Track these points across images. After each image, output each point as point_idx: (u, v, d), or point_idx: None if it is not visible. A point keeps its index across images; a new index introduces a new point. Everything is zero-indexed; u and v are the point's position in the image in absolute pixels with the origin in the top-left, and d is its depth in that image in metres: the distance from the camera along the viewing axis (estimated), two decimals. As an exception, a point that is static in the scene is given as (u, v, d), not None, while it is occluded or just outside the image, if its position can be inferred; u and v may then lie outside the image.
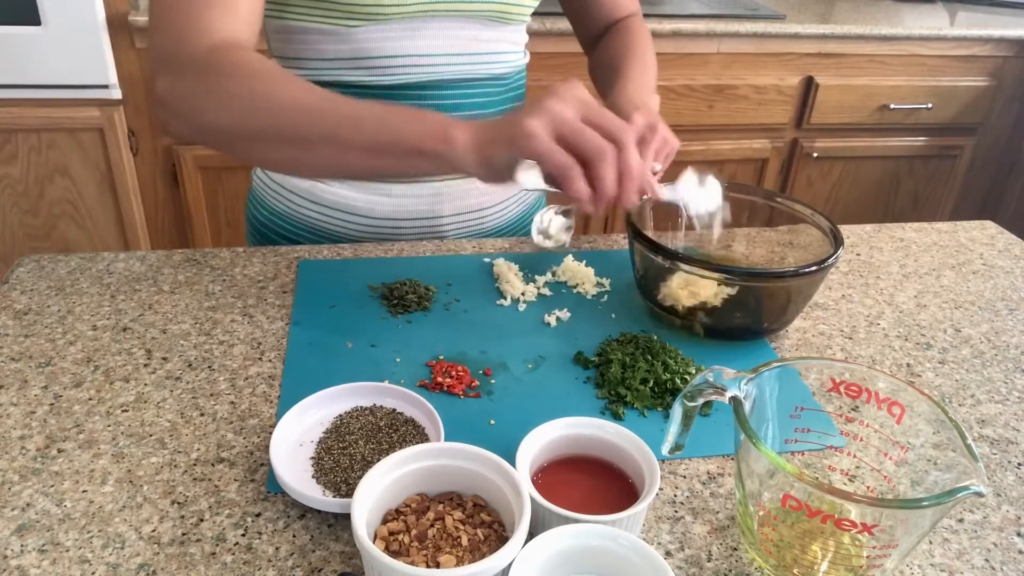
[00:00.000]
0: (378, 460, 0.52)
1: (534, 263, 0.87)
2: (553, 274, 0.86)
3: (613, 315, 0.80)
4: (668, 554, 0.55)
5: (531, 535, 0.48)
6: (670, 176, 0.80)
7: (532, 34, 0.98)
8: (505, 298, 0.81)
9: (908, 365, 0.76)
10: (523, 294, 0.82)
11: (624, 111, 0.78)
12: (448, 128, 0.65)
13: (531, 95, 1.03)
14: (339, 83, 0.87)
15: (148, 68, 1.76)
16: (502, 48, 0.92)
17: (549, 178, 0.65)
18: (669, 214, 0.86)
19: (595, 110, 0.64)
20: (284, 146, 0.69)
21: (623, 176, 0.63)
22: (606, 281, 0.86)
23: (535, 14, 0.93)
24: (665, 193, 0.73)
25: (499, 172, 0.66)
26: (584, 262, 0.87)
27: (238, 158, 0.74)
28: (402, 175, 0.71)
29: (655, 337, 0.75)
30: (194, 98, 0.70)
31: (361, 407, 0.64)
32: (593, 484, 0.57)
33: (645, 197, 0.69)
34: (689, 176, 0.77)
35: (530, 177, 0.65)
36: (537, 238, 0.82)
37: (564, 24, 1.82)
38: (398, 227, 0.94)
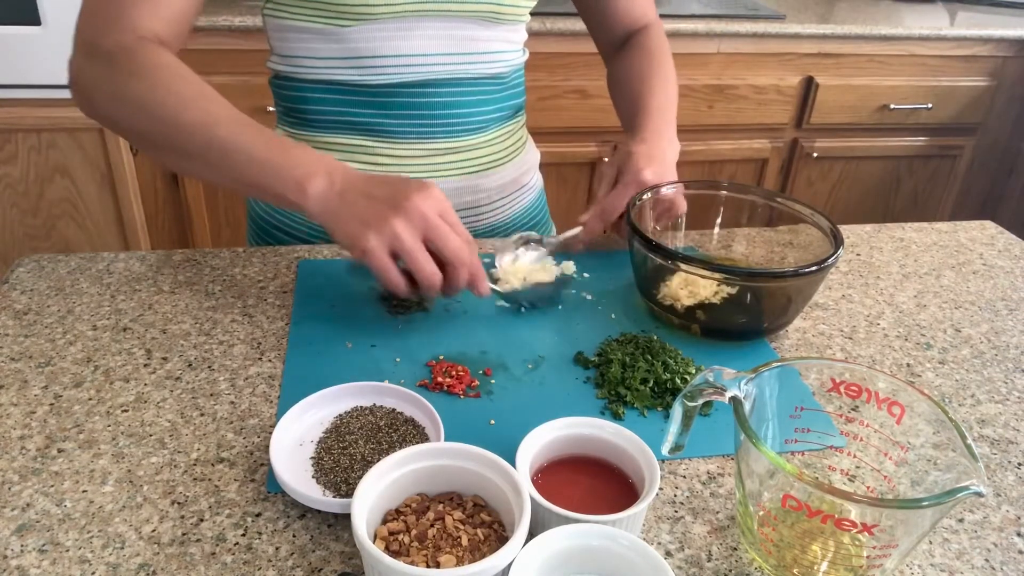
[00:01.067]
0: (378, 460, 0.52)
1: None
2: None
3: (613, 315, 0.80)
4: (668, 554, 0.55)
5: (531, 535, 0.48)
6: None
7: (532, 34, 0.98)
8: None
9: (908, 365, 0.76)
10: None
11: (635, 166, 0.83)
12: (306, 179, 0.68)
13: (530, 94, 1.04)
14: (334, 82, 0.87)
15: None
16: (498, 47, 0.92)
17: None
18: (670, 215, 0.86)
19: (437, 232, 0.67)
20: (166, 152, 0.74)
21: (448, 288, 0.70)
22: (586, 274, 0.86)
23: (535, 14, 0.93)
24: (494, 287, 0.78)
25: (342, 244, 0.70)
26: (572, 262, 0.87)
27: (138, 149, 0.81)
28: (284, 208, 0.77)
29: (655, 337, 0.75)
30: (98, 87, 0.74)
31: (361, 407, 0.64)
32: (593, 484, 0.57)
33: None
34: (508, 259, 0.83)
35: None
36: (503, 264, 0.84)
37: (564, 24, 1.82)
38: None
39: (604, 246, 0.92)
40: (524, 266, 0.82)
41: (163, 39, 0.76)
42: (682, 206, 0.84)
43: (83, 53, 0.75)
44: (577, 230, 0.86)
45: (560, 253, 0.88)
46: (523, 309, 0.80)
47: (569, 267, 0.86)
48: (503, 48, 0.93)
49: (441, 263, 0.68)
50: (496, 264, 0.83)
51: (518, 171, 1.01)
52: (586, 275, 0.86)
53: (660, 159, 0.84)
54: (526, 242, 0.86)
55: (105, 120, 0.76)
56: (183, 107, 0.70)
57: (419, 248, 0.66)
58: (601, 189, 0.86)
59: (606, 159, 2.00)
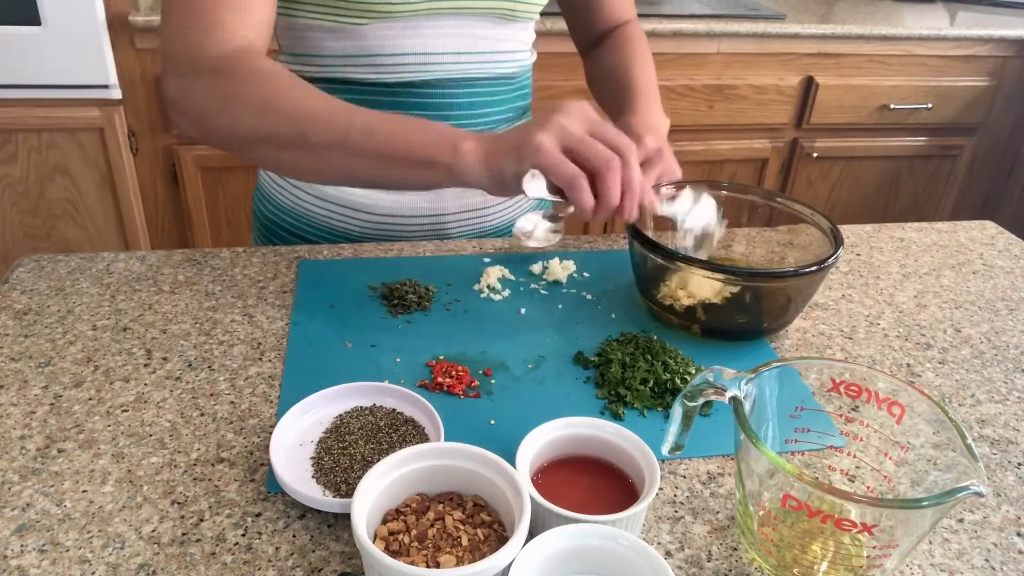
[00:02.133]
0: (378, 460, 0.52)
1: (520, 261, 0.87)
2: (538, 271, 0.86)
3: (613, 315, 0.80)
4: (668, 554, 0.55)
5: (531, 535, 0.48)
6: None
7: (535, 33, 0.98)
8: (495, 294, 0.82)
9: (908, 365, 0.76)
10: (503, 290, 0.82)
11: (636, 133, 0.81)
12: (457, 140, 0.68)
13: (535, 95, 1.04)
14: (347, 80, 0.87)
15: (158, 67, 1.76)
16: (510, 47, 0.92)
17: (554, 189, 0.68)
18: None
19: (601, 126, 0.68)
20: (296, 151, 0.71)
21: (625, 189, 0.67)
22: (586, 274, 0.86)
23: (541, 13, 0.94)
24: (663, 208, 0.75)
25: (506, 184, 0.69)
26: (572, 261, 0.87)
27: (249, 161, 0.77)
28: (411, 186, 0.74)
29: (655, 337, 0.75)
30: (209, 102, 0.72)
31: (361, 407, 0.64)
32: (593, 484, 0.57)
33: (641, 212, 0.71)
34: (687, 194, 0.80)
35: (536, 188, 0.68)
36: (521, 238, 0.83)
37: (564, 24, 1.82)
38: (400, 224, 0.94)
39: (585, 247, 0.92)
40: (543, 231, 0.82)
41: (256, 45, 0.74)
42: (677, 170, 0.81)
43: (180, 74, 0.73)
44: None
45: (539, 254, 0.88)
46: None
47: (569, 266, 0.86)
48: (515, 47, 0.93)
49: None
50: (522, 238, 0.83)
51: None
52: (586, 274, 0.86)
53: (656, 130, 0.85)
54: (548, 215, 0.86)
55: (223, 132, 0.73)
56: (309, 101, 0.70)
57: (586, 136, 0.66)
58: None
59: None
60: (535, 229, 0.82)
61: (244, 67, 0.71)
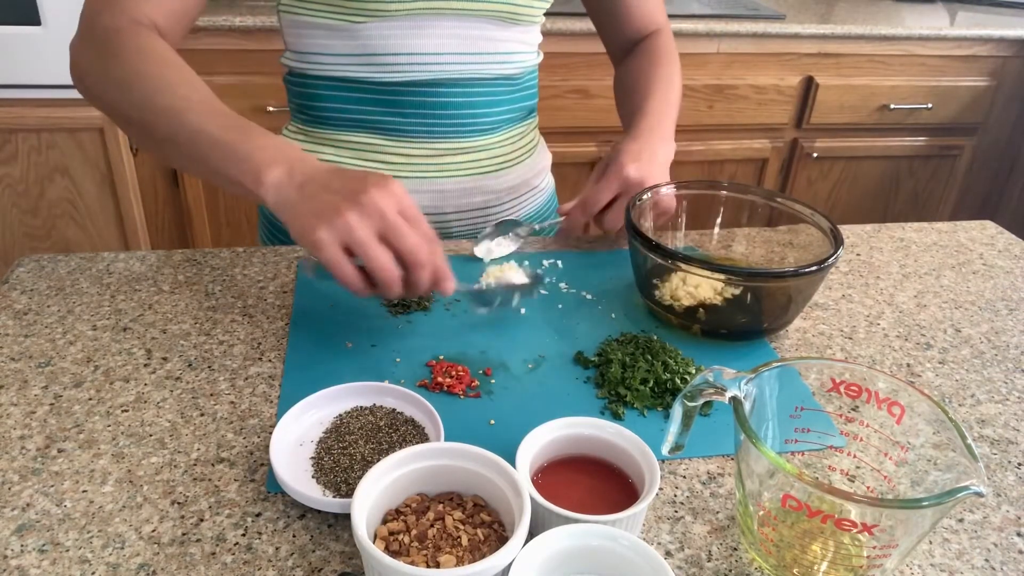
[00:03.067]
0: (378, 460, 0.52)
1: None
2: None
3: (613, 315, 0.80)
4: (668, 554, 0.55)
5: (531, 535, 0.48)
6: (677, 174, 0.81)
7: (542, 35, 0.98)
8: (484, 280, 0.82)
9: (908, 365, 0.76)
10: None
11: (620, 161, 0.83)
12: (263, 170, 0.65)
13: (541, 94, 1.04)
14: (348, 79, 0.88)
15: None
16: (513, 48, 0.92)
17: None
18: (663, 216, 0.86)
19: (394, 231, 0.63)
20: (142, 136, 0.74)
21: (411, 290, 0.66)
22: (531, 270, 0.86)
23: (547, 13, 0.94)
24: (461, 288, 0.72)
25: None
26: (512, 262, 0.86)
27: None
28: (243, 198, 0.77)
29: (655, 337, 0.75)
30: (91, 68, 0.75)
31: (361, 407, 0.64)
32: (593, 484, 0.57)
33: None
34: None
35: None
36: (479, 250, 0.87)
37: (565, 24, 1.82)
38: None
39: (585, 246, 0.92)
40: (496, 267, 0.83)
41: (160, 28, 0.77)
42: (671, 205, 0.83)
43: (80, 34, 0.77)
44: (559, 219, 0.88)
45: (538, 253, 0.88)
46: (492, 306, 0.77)
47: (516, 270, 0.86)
48: (517, 49, 0.93)
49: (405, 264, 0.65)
50: (474, 250, 0.87)
51: (529, 173, 1.01)
52: (568, 287, 0.86)
53: (648, 157, 0.84)
54: (505, 229, 0.88)
55: (95, 102, 0.77)
56: (159, 91, 0.71)
57: (373, 242, 0.62)
58: (588, 184, 0.87)
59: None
60: (493, 250, 0.87)
61: (120, 43, 0.73)
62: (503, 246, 0.88)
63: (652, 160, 0.85)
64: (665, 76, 0.96)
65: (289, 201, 0.65)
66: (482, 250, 0.87)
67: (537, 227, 0.91)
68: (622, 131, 0.96)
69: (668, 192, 0.83)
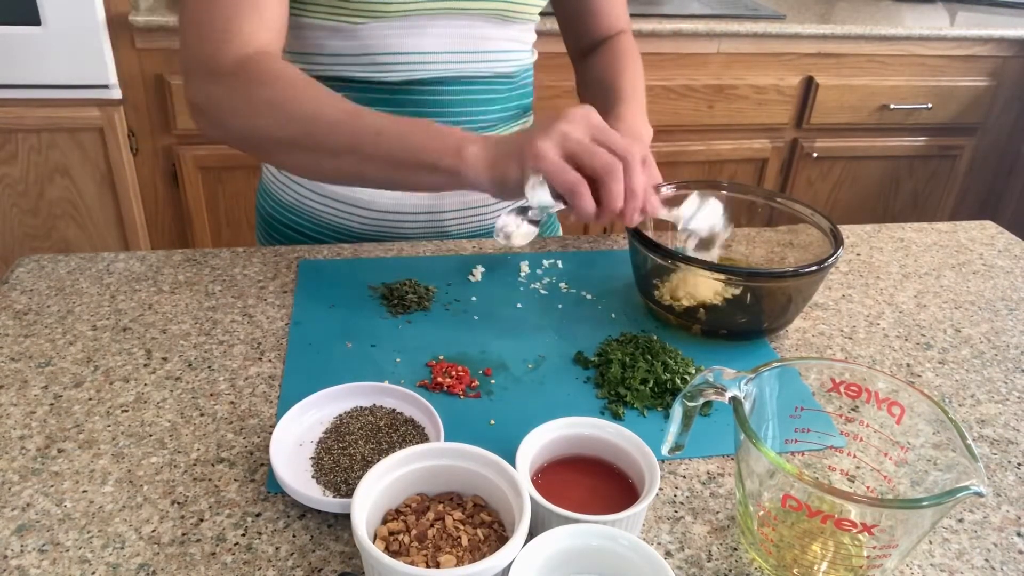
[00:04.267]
0: (378, 460, 0.52)
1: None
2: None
3: (613, 315, 0.80)
4: (668, 554, 0.55)
5: (531, 535, 0.48)
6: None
7: (536, 33, 0.98)
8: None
9: (908, 365, 0.76)
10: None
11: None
12: (462, 144, 0.69)
13: (540, 93, 1.04)
14: (346, 79, 0.88)
15: (158, 67, 1.76)
16: (508, 47, 0.92)
17: (557, 195, 0.68)
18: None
19: (604, 131, 0.67)
20: (310, 153, 0.73)
21: (628, 195, 0.67)
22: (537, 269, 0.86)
23: (541, 13, 0.94)
24: (665, 212, 0.74)
25: (509, 189, 0.69)
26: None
27: (268, 162, 0.78)
28: (418, 188, 0.76)
29: (655, 337, 0.75)
30: (230, 105, 0.74)
31: (361, 407, 0.64)
32: (593, 484, 0.57)
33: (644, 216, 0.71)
34: (692, 199, 0.79)
35: (538, 194, 0.68)
36: (502, 238, 0.82)
37: (564, 24, 1.82)
38: (400, 221, 0.94)
39: (585, 246, 0.92)
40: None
41: (272, 48, 0.76)
42: (658, 177, 0.82)
43: (202, 75, 0.75)
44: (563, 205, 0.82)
45: (539, 253, 0.87)
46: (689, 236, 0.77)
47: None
48: (513, 48, 0.93)
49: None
50: (512, 240, 0.81)
51: None
52: (568, 287, 0.86)
53: (640, 137, 0.85)
54: (523, 211, 0.85)
55: (240, 134, 0.76)
56: (321, 104, 0.72)
57: (589, 142, 0.66)
58: None
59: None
60: (517, 228, 0.82)
61: (258, 71, 0.73)
62: (525, 227, 0.80)
63: (643, 142, 0.84)
64: (633, 68, 0.97)
65: (491, 158, 0.68)
66: (519, 236, 0.80)
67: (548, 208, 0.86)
68: None
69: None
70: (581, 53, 1.06)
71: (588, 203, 0.66)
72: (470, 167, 0.68)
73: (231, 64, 0.73)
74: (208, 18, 0.74)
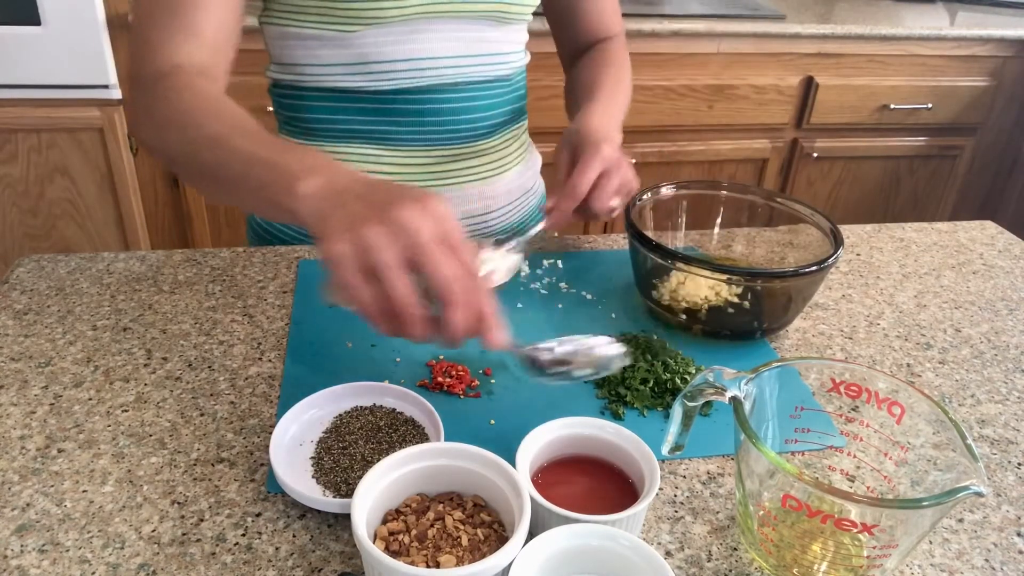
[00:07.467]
0: (378, 460, 0.52)
1: None
2: None
3: (613, 315, 0.80)
4: (668, 554, 0.55)
5: (531, 535, 0.48)
6: (670, 175, 0.79)
7: (532, 34, 0.98)
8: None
9: (908, 365, 0.76)
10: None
11: (591, 140, 0.79)
12: (295, 180, 0.57)
13: (529, 95, 1.04)
14: (340, 89, 0.86)
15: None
16: (504, 49, 0.92)
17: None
18: (669, 214, 0.86)
19: (423, 251, 0.52)
20: (191, 172, 0.69)
21: (447, 335, 0.55)
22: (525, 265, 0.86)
23: (534, 14, 0.94)
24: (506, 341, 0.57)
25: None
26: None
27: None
28: (282, 221, 0.73)
29: (655, 337, 0.75)
30: (142, 115, 0.73)
31: (361, 407, 0.64)
32: (593, 484, 0.57)
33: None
34: (592, 340, 0.65)
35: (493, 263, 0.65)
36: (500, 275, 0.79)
37: (564, 24, 1.82)
38: None
39: (585, 246, 0.92)
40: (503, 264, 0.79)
41: (204, 64, 0.74)
42: (636, 183, 0.80)
43: (129, 84, 0.77)
44: (541, 226, 0.79)
45: (537, 253, 0.87)
46: (555, 376, 0.63)
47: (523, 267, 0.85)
48: (509, 49, 0.93)
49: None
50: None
51: (524, 175, 1.01)
52: (568, 287, 0.86)
53: (610, 140, 0.81)
54: (500, 243, 0.84)
55: (148, 144, 0.74)
56: (207, 125, 0.67)
57: (394, 266, 0.51)
58: (561, 172, 0.81)
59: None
60: (497, 269, 0.76)
61: (170, 87, 0.71)
62: (508, 259, 0.79)
63: (614, 143, 0.81)
64: (617, 74, 0.96)
65: (320, 212, 0.55)
66: (502, 273, 0.77)
67: (526, 237, 0.81)
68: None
69: (629, 166, 0.81)
70: (571, 58, 1.05)
71: (382, 328, 0.54)
72: (299, 207, 0.56)
73: (150, 77, 0.73)
74: (144, 27, 0.75)
